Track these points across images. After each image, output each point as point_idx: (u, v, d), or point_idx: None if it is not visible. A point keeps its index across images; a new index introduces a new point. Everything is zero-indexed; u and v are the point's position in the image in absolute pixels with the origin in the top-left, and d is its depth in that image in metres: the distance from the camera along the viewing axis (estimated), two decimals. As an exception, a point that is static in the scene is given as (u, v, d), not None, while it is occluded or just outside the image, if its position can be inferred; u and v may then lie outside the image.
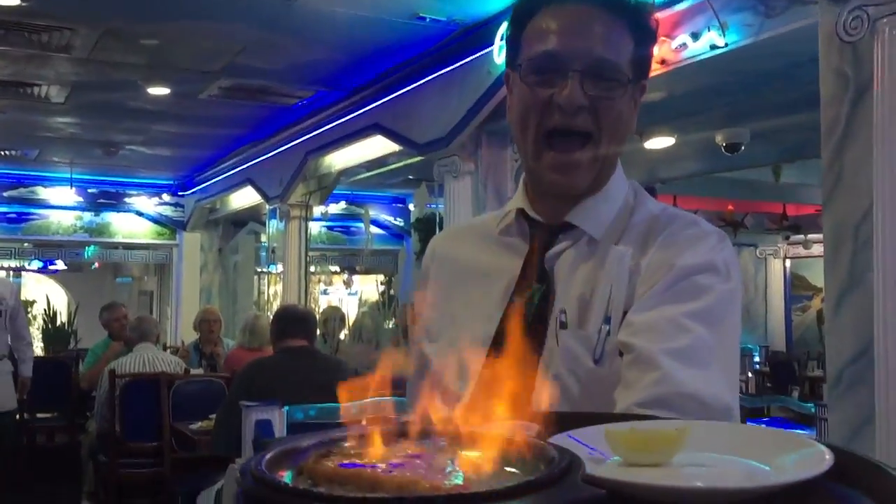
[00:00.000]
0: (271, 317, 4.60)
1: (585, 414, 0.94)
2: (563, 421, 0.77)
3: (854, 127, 2.12)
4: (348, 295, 13.60)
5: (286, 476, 0.56)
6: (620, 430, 0.69)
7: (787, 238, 10.70)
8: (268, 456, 0.57)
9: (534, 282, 1.14)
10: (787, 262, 11.87)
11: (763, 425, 0.84)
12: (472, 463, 0.56)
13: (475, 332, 1.15)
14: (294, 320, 4.23)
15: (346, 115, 6.26)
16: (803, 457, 0.66)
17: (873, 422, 1.99)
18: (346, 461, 0.56)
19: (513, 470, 0.57)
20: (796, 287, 12.09)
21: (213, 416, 4.49)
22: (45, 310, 11.57)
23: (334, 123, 6.47)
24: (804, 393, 7.35)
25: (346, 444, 0.59)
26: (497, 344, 1.12)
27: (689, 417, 0.89)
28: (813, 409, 5.09)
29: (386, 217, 11.63)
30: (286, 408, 3.47)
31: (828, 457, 0.63)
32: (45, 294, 12.49)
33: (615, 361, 1.04)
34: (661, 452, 0.67)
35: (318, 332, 6.03)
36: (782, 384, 8.20)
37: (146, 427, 5.18)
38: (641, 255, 1.09)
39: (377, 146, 6.12)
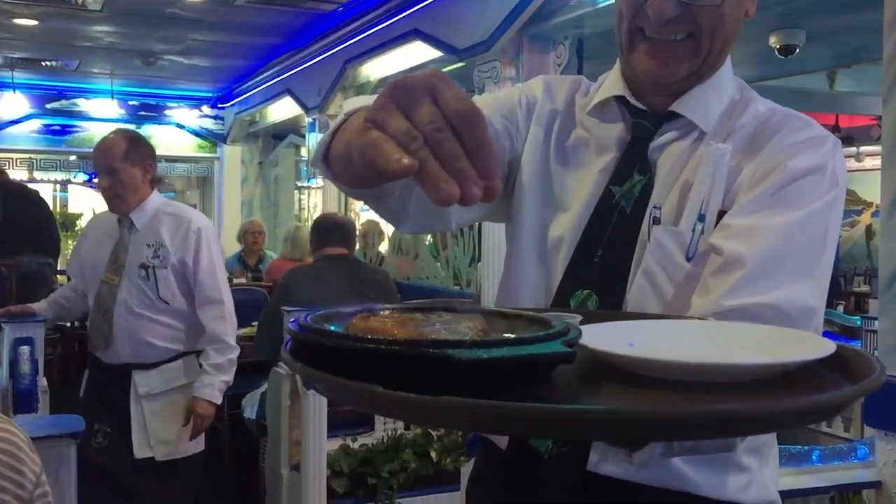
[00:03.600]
0: (311, 227, 4.60)
1: (625, 313, 0.95)
2: (603, 318, 0.80)
3: (920, 17, 1.99)
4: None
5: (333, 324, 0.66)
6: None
7: (839, 150, 10.39)
8: (317, 314, 0.67)
9: (635, 172, 1.10)
10: (838, 176, 11.56)
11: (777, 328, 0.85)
12: (483, 328, 0.64)
13: (569, 219, 1.12)
14: (333, 228, 4.25)
15: (385, 21, 6.13)
16: (805, 346, 0.69)
17: (925, 325, 1.94)
18: (384, 320, 0.64)
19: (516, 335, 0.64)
20: (846, 201, 11.83)
21: (256, 323, 4.58)
22: (92, 222, 11.79)
23: (373, 30, 6.34)
24: (849, 308, 7.26)
25: (385, 312, 0.68)
26: (590, 234, 1.10)
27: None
28: (858, 322, 5.02)
29: (425, 128, 11.51)
30: (326, 313, 3.51)
31: (828, 347, 0.67)
32: (91, 207, 12.70)
33: (705, 260, 1.02)
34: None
35: (357, 245, 6.09)
36: (828, 298, 8.10)
37: (191, 334, 5.30)
38: (748, 158, 1.05)
39: (416, 53, 6.00)
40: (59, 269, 7.60)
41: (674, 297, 1.04)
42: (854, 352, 0.71)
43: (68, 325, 7.65)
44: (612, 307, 1.06)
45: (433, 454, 3.48)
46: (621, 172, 1.11)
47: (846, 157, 10.70)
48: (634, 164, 1.10)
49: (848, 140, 9.56)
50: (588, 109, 1.16)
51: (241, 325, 4.93)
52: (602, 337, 0.69)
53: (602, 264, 1.08)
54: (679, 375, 0.65)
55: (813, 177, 1.01)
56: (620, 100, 1.14)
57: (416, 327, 0.63)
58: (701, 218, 1.03)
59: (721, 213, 1.03)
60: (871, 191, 10.45)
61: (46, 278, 6.71)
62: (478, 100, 1.16)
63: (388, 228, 8.33)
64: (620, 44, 1.10)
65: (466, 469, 2.48)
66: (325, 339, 0.60)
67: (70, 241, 12.37)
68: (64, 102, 10.17)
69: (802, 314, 0.96)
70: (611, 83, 1.15)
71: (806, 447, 2.10)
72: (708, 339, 0.74)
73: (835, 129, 9.28)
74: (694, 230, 1.03)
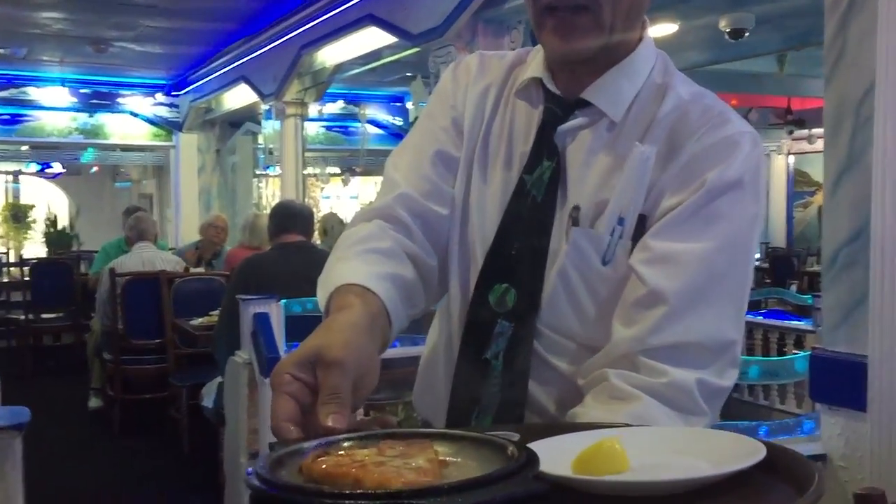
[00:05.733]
0: (269, 214, 4.57)
1: (558, 425, 0.95)
2: (538, 431, 0.80)
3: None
4: (350, 199, 13.57)
5: (287, 473, 0.66)
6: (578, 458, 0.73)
7: (791, 133, 10.58)
8: (273, 455, 0.68)
9: (544, 159, 1.08)
10: (791, 158, 11.77)
11: (710, 430, 0.90)
12: (436, 460, 0.67)
13: (489, 211, 1.12)
14: (290, 216, 4.22)
15: (339, 6, 6.08)
16: (740, 451, 0.71)
17: (866, 301, 1.98)
18: (339, 460, 0.66)
19: (477, 464, 0.68)
20: (798, 183, 12.03)
21: (214, 312, 4.54)
22: (46, 213, 11.58)
23: (328, 15, 6.29)
24: (803, 288, 7.40)
25: (342, 446, 0.71)
26: (507, 225, 1.10)
27: (689, 360, 0.96)
28: (810, 301, 5.12)
29: (384, 116, 11.47)
30: (283, 301, 3.49)
31: (761, 451, 0.69)
32: (45, 198, 12.47)
33: (624, 263, 1.03)
34: (613, 467, 0.72)
35: (318, 237, 6.06)
36: (781, 279, 8.25)
37: (149, 324, 5.26)
38: (668, 161, 1.03)
39: (371, 39, 5.97)
40: None
41: (588, 298, 1.05)
42: (785, 453, 0.73)
43: (22, 317, 7.54)
44: (529, 302, 1.06)
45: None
46: (532, 160, 1.09)
47: (798, 139, 10.90)
48: (543, 149, 1.09)
49: (800, 122, 9.73)
50: (516, 90, 1.14)
51: (198, 314, 4.93)
52: (544, 458, 0.70)
53: (518, 257, 1.08)
54: (625, 492, 0.68)
55: (734, 193, 1.00)
56: (538, 82, 1.12)
57: (378, 468, 0.64)
58: (620, 222, 1.03)
59: (641, 217, 1.03)
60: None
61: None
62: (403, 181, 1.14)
63: (347, 218, 8.29)
64: (533, 23, 1.08)
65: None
66: (299, 495, 0.60)
67: (23, 233, 12.15)
68: (13, 91, 9.93)
69: (722, 347, 0.99)
70: (536, 64, 1.13)
71: (753, 422, 2.15)
72: (648, 449, 0.76)
73: (787, 111, 9.44)
74: (612, 234, 1.03)
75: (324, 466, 0.65)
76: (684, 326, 0.97)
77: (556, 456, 0.72)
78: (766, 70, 7.47)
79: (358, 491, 0.59)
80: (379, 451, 0.68)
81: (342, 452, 0.69)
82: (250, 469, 0.65)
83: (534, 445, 0.73)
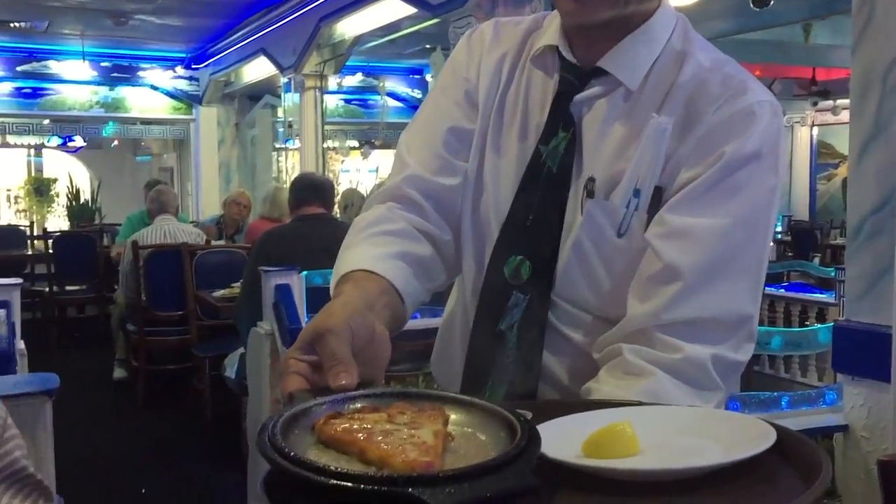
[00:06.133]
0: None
1: (571, 402, 0.93)
2: (550, 408, 0.81)
3: (889, -35, 2.00)
4: (368, 172, 13.57)
5: (299, 433, 0.68)
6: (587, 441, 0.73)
7: (815, 104, 10.43)
8: (286, 414, 0.69)
9: (560, 129, 1.07)
10: (815, 130, 11.62)
11: (721, 411, 0.91)
12: (444, 433, 0.68)
13: (504, 182, 1.11)
14: (310, 188, 4.23)
15: (358, -22, 6.06)
16: (751, 434, 0.71)
17: (891, 272, 1.96)
18: (350, 424, 0.68)
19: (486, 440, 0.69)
20: (822, 155, 11.89)
21: (235, 284, 4.58)
22: (67, 187, 11.67)
23: (347, -13, 6.27)
24: (825, 261, 7.34)
25: (355, 407, 0.72)
26: (522, 197, 1.09)
27: (705, 336, 0.96)
28: (833, 274, 5.08)
29: (403, 89, 11.43)
30: (304, 273, 3.52)
31: (771, 436, 0.69)
32: (67, 172, 12.56)
33: (639, 235, 1.02)
34: (624, 450, 0.72)
35: (339, 212, 6.07)
36: (803, 252, 8.19)
37: (171, 296, 5.31)
38: (686, 131, 1.01)
39: (390, 10, 5.93)
40: None
41: (602, 269, 1.04)
42: (794, 438, 0.72)
43: (46, 289, 7.63)
44: (544, 274, 1.06)
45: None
46: (548, 130, 1.07)
47: (823, 110, 10.75)
48: (559, 120, 1.07)
49: (824, 93, 9.59)
50: (531, 57, 1.12)
51: (219, 286, 4.97)
52: (555, 440, 0.70)
53: (533, 229, 1.07)
54: (633, 479, 0.68)
55: (752, 166, 0.99)
56: (556, 50, 1.09)
57: (385, 438, 0.65)
58: (636, 194, 1.02)
59: (657, 189, 1.02)
60: (847, 144, 10.52)
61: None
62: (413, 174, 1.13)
63: (364, 188, 8.31)
64: None
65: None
66: (301, 469, 0.61)
67: (46, 207, 12.26)
68: (35, 65, 9.98)
69: (739, 322, 0.98)
70: (552, 31, 1.11)
71: (775, 393, 2.15)
72: (658, 430, 0.75)
73: (812, 82, 9.30)
74: (628, 206, 1.02)
75: (334, 431, 0.67)
76: (700, 302, 0.96)
77: (568, 436, 0.72)
78: (792, 39, 7.36)
79: (357, 471, 0.61)
80: (389, 417, 0.70)
81: (354, 415, 0.70)
82: (266, 424, 0.67)
83: (545, 425, 0.73)
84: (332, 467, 0.60)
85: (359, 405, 0.73)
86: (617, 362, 0.97)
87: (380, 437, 0.66)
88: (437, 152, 1.13)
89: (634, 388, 0.93)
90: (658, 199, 1.02)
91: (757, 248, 1.01)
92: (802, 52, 7.79)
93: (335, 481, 0.59)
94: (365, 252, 1.02)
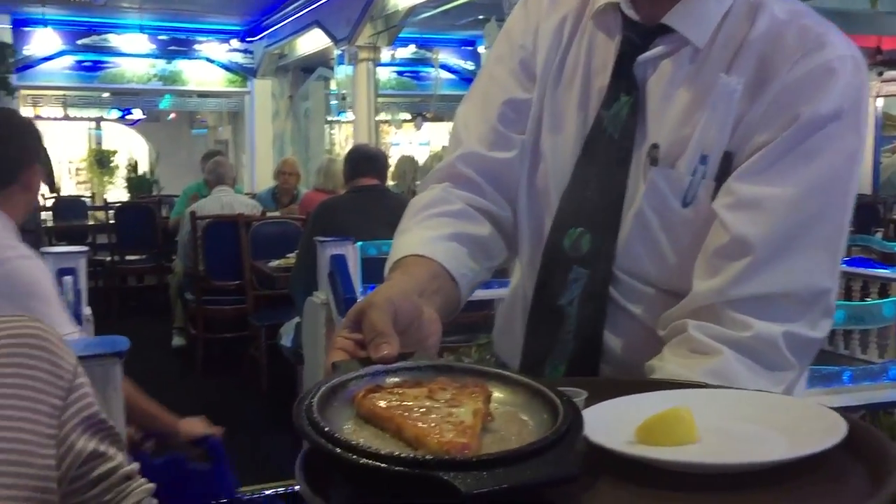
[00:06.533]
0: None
1: (630, 381, 0.88)
2: (608, 387, 0.77)
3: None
4: (419, 145, 13.60)
5: (339, 405, 0.67)
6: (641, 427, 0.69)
7: (881, 74, 10.09)
8: (325, 386, 0.68)
9: (622, 94, 1.01)
10: (879, 101, 11.26)
11: (788, 397, 0.83)
12: (487, 415, 0.66)
13: (564, 150, 1.06)
14: (365, 159, 4.25)
15: (412, -53, 6.03)
16: (818, 427, 0.66)
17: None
18: (389, 399, 0.67)
19: (527, 420, 0.67)
20: (886, 127, 11.51)
21: (290, 254, 4.64)
22: (127, 159, 11.93)
23: (401, -43, 6.24)
24: (888, 235, 7.15)
25: (395, 381, 0.71)
26: (582, 165, 1.04)
27: (776, 313, 0.90)
28: (896, 249, 4.96)
29: (455, 61, 11.38)
30: (359, 244, 3.55)
31: (841, 430, 0.63)
32: (126, 144, 12.83)
33: (706, 205, 0.96)
34: (680, 437, 0.67)
35: (391, 180, 6.11)
36: (865, 226, 7.98)
37: (228, 266, 5.40)
38: (758, 90, 0.94)
39: (445, -20, 5.90)
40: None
41: (666, 241, 0.99)
42: (865, 431, 0.67)
43: (108, 258, 7.83)
44: (605, 247, 1.01)
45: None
46: (610, 95, 1.02)
47: (888, 80, 10.40)
48: (622, 83, 1.01)
49: (890, 63, 9.28)
50: (592, 14, 1.06)
51: (275, 256, 5.05)
52: (607, 423, 0.67)
53: (594, 199, 1.02)
54: (687, 471, 0.63)
55: (831, 127, 0.91)
56: (614, 7, 1.03)
57: (423, 416, 0.64)
58: (703, 160, 0.95)
59: (726, 155, 0.95)
60: (914, 116, 10.19)
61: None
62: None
63: (416, 160, 8.33)
64: None
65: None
66: (333, 447, 0.61)
67: (107, 178, 12.55)
68: (95, 38, 10.19)
69: (815, 297, 0.92)
70: None
71: (837, 367, 2.11)
72: (719, 416, 0.70)
73: (877, 51, 9.01)
74: (694, 173, 0.96)
75: (372, 406, 0.66)
76: (771, 277, 0.90)
77: (621, 419, 0.68)
78: (857, 7, 7.12)
79: (388, 452, 0.59)
80: (429, 393, 0.68)
81: (394, 389, 0.69)
82: (304, 395, 0.66)
83: (597, 407, 0.71)
84: (364, 446, 0.59)
85: (400, 379, 0.71)
86: (681, 339, 0.92)
87: (417, 415, 0.64)
88: (492, 126, 1.09)
89: (700, 366, 0.88)
90: (727, 166, 0.96)
91: (835, 217, 0.94)
92: (868, 20, 7.55)
93: (366, 460, 0.58)
94: (417, 236, 1.01)
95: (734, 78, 0.95)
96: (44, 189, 2.06)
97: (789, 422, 0.69)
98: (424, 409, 0.65)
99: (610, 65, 1.03)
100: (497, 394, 0.70)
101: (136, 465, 0.99)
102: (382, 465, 0.57)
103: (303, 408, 0.64)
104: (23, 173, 1.78)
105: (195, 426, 2.04)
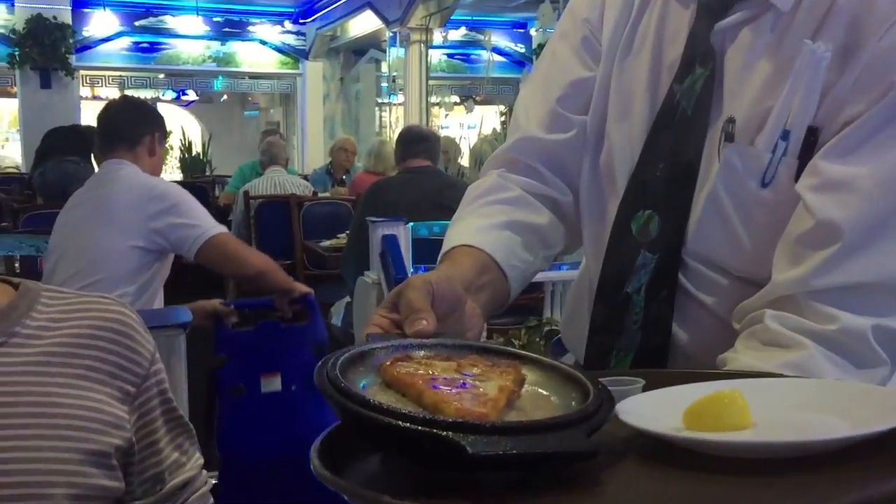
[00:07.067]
0: (396, 142, 4.64)
1: (697, 372, 0.79)
2: (668, 378, 0.73)
3: None
4: (468, 128, 13.57)
5: (363, 370, 0.66)
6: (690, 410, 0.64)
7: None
8: (354, 350, 0.67)
9: (697, 65, 0.93)
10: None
11: (850, 382, 0.77)
12: (515, 389, 0.64)
13: (631, 126, 0.99)
14: (417, 140, 4.26)
15: (466, -71, 5.99)
16: (884, 407, 0.61)
17: None
18: (415, 368, 0.65)
19: (550, 397, 0.66)
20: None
21: (341, 235, 4.69)
22: (181, 139, 12.12)
23: (454, -62, 6.22)
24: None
25: (422, 353, 0.69)
26: (652, 144, 0.97)
27: (866, 305, 0.82)
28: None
29: (507, 43, 11.32)
30: (410, 224, 3.57)
31: None
32: (179, 125, 13.03)
33: (787, 185, 0.87)
34: (732, 422, 0.62)
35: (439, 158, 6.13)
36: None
37: (280, 245, 5.46)
38: (847, 58, 0.85)
39: (499, -39, 5.86)
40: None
41: (742, 225, 0.91)
42: None
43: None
44: (675, 230, 0.94)
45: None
46: (684, 67, 0.94)
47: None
48: (697, 54, 0.93)
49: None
50: None
51: (326, 236, 5.10)
52: (657, 409, 0.63)
53: (664, 179, 0.95)
54: (736, 455, 0.59)
55: None
56: None
57: (446, 384, 0.62)
58: (785, 136, 0.86)
59: (811, 130, 0.86)
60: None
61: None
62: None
63: (466, 143, 8.33)
64: None
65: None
66: (348, 401, 0.60)
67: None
68: (151, 20, 10.35)
69: None
70: None
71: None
72: (769, 403, 0.65)
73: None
74: (775, 150, 0.87)
75: (396, 372, 0.64)
76: (861, 265, 0.82)
77: (672, 405, 0.63)
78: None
79: (400, 408, 0.58)
80: (458, 367, 0.66)
81: (423, 360, 0.67)
82: (330, 356, 0.65)
83: (648, 394, 0.68)
84: (376, 401, 0.58)
85: (431, 353, 0.69)
86: (756, 330, 0.84)
87: (441, 384, 0.62)
88: (551, 108, 1.04)
89: (777, 359, 0.80)
90: (812, 142, 0.87)
91: None
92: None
93: (378, 415, 0.57)
94: (470, 225, 0.97)
95: (821, 45, 0.85)
96: None
97: (852, 405, 0.64)
98: (451, 381, 0.63)
99: (684, 34, 0.95)
100: (531, 376, 0.68)
101: (193, 474, 1.00)
102: (392, 420, 0.56)
103: (325, 366, 0.63)
104: (145, 138, 2.42)
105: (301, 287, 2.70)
